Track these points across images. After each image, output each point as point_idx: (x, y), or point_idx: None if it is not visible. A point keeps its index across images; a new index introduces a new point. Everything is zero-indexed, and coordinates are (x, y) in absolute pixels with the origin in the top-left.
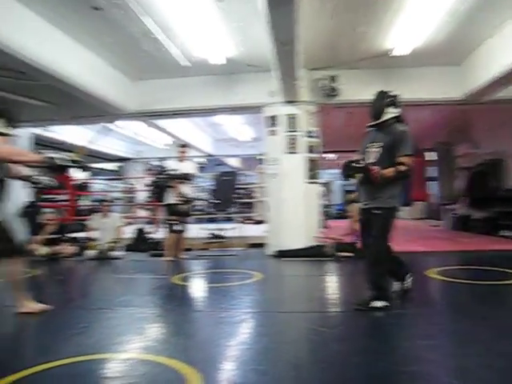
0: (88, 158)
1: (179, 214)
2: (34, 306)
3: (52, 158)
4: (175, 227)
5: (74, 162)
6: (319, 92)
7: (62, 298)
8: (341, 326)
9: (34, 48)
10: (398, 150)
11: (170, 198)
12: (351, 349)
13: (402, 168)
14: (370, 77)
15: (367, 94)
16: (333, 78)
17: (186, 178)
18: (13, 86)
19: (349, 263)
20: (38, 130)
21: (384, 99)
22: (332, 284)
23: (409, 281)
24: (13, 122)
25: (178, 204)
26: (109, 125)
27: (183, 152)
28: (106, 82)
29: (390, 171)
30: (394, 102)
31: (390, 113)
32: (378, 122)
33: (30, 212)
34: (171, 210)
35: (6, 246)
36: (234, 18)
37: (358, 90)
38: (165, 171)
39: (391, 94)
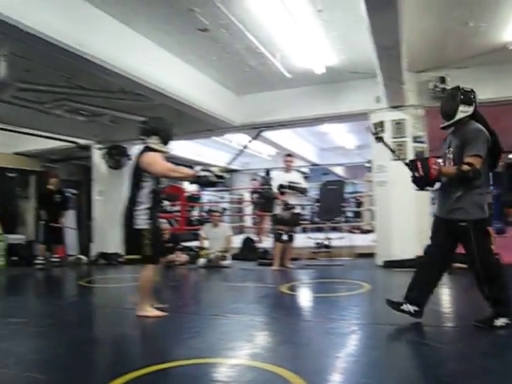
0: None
1: (285, 223)
2: (153, 312)
3: (204, 174)
4: (281, 237)
5: (218, 177)
6: (427, 95)
7: (177, 304)
8: (458, 342)
9: (147, 70)
10: (466, 150)
11: (277, 208)
12: (470, 369)
13: (465, 168)
14: (480, 75)
15: (480, 94)
16: (442, 79)
17: (294, 189)
18: (130, 107)
19: (463, 275)
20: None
21: (456, 97)
22: (445, 297)
23: None
24: (168, 139)
25: (283, 214)
26: (216, 138)
27: (289, 162)
28: (213, 97)
29: (449, 169)
30: (467, 98)
31: (463, 112)
32: (449, 122)
33: None
34: (277, 219)
35: (146, 253)
36: (335, 26)
37: None
38: (269, 182)
39: (465, 89)
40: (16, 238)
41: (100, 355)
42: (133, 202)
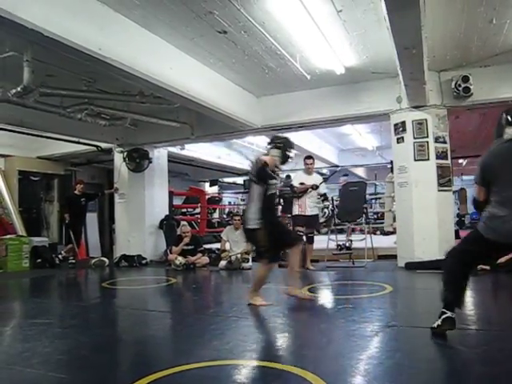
0: (218, 172)
1: (304, 225)
2: (260, 302)
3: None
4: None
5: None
6: (450, 94)
7: (199, 305)
8: (484, 346)
9: (167, 73)
10: None
11: (295, 210)
12: (498, 373)
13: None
14: (504, 73)
15: (504, 92)
16: (465, 78)
17: (315, 189)
18: (151, 110)
19: (487, 277)
20: (173, 149)
21: (502, 119)
22: (469, 299)
23: None
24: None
25: (302, 215)
26: (236, 140)
27: (309, 164)
28: (232, 100)
29: None
30: None
31: (509, 133)
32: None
33: (169, 224)
34: (296, 221)
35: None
36: (355, 26)
37: (493, 88)
38: (290, 183)
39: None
40: (40, 240)
41: (123, 356)
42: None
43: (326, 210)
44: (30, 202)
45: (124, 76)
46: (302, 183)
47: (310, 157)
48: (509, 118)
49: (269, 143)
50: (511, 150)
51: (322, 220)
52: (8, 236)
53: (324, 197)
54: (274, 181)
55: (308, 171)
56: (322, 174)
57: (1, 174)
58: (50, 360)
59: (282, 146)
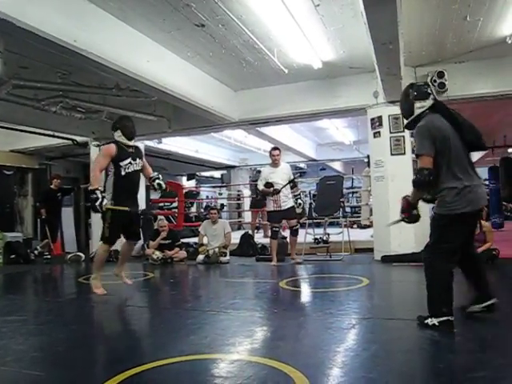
0: (195, 166)
1: (281, 220)
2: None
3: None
4: (276, 233)
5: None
6: None
7: (176, 300)
8: (457, 335)
9: (144, 66)
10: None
11: (270, 206)
12: (471, 362)
13: (414, 178)
14: (480, 69)
15: (478, 88)
16: (440, 74)
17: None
18: (128, 103)
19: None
20: (150, 143)
21: (410, 94)
22: None
23: None
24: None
25: (276, 210)
26: (214, 134)
27: (276, 155)
28: (210, 93)
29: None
30: (420, 93)
31: (419, 107)
32: (408, 120)
33: (146, 219)
34: (272, 217)
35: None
36: (332, 21)
37: (468, 84)
38: (255, 186)
39: (418, 84)
40: (14, 235)
41: (99, 352)
42: None
43: (299, 201)
44: (4, 196)
45: (100, 69)
46: (267, 183)
47: (276, 148)
48: (415, 93)
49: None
50: (443, 121)
51: (298, 211)
52: None
53: (293, 183)
54: (124, 162)
55: (275, 164)
56: (300, 169)
57: None
58: (24, 357)
59: (119, 125)
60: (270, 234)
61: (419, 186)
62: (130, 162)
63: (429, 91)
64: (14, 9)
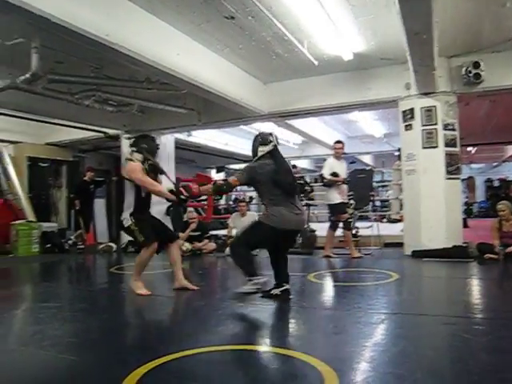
0: (224, 159)
1: (343, 211)
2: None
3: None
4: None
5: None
6: (460, 81)
7: (205, 291)
8: (490, 335)
9: (174, 59)
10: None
11: (336, 197)
12: (501, 362)
13: (219, 182)
14: None
15: None
16: (476, 64)
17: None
18: (158, 96)
19: (494, 266)
20: (180, 135)
21: (256, 140)
22: (476, 288)
23: None
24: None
25: (343, 202)
26: (243, 126)
27: (338, 148)
28: (240, 86)
29: (209, 187)
30: (264, 140)
31: (261, 151)
32: (254, 159)
33: (175, 211)
34: (338, 208)
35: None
36: (363, 11)
37: (505, 74)
38: (320, 174)
39: (263, 133)
40: (49, 225)
41: (130, 340)
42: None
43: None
44: (39, 187)
45: (131, 62)
46: (334, 173)
47: (339, 141)
48: (260, 139)
49: (130, 146)
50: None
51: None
52: (18, 221)
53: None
54: None
55: (337, 156)
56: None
57: (10, 160)
58: (60, 342)
59: (143, 148)
60: (331, 224)
61: (218, 192)
62: None
63: (270, 139)
64: (50, 5)
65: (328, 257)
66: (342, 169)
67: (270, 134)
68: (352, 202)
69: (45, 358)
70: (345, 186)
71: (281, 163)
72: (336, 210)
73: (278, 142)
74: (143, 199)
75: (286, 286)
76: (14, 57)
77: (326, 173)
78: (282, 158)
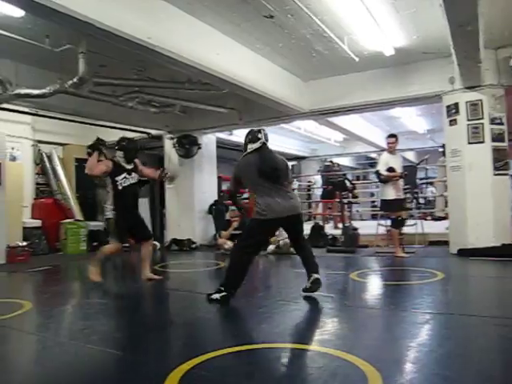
0: None
1: (397, 209)
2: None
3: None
4: (400, 223)
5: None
6: (508, 73)
7: (247, 289)
8: None
9: (214, 59)
10: None
11: (391, 194)
12: None
13: None
14: None
15: None
16: None
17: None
18: (199, 96)
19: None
20: (221, 134)
21: (246, 138)
22: None
23: None
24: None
25: (397, 199)
26: (284, 125)
27: (392, 143)
28: (280, 84)
29: None
30: (253, 137)
31: (250, 148)
32: (243, 155)
33: (217, 209)
34: (393, 205)
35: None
36: (405, 5)
37: None
38: (376, 170)
39: (253, 130)
40: (96, 224)
41: (174, 337)
42: None
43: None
44: (86, 188)
45: (172, 63)
46: (390, 168)
47: (392, 135)
48: (250, 136)
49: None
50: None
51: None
52: (67, 220)
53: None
54: (119, 177)
55: (390, 151)
56: (371, 159)
57: (60, 161)
58: (107, 337)
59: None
60: (392, 223)
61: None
62: (125, 177)
63: (259, 136)
64: (95, 11)
65: (400, 257)
66: (397, 163)
67: (259, 132)
68: (409, 196)
69: (92, 352)
70: (401, 182)
71: (265, 154)
72: (389, 207)
73: (267, 139)
74: (120, 193)
75: (316, 276)
76: (62, 62)
77: (382, 169)
78: (269, 152)
